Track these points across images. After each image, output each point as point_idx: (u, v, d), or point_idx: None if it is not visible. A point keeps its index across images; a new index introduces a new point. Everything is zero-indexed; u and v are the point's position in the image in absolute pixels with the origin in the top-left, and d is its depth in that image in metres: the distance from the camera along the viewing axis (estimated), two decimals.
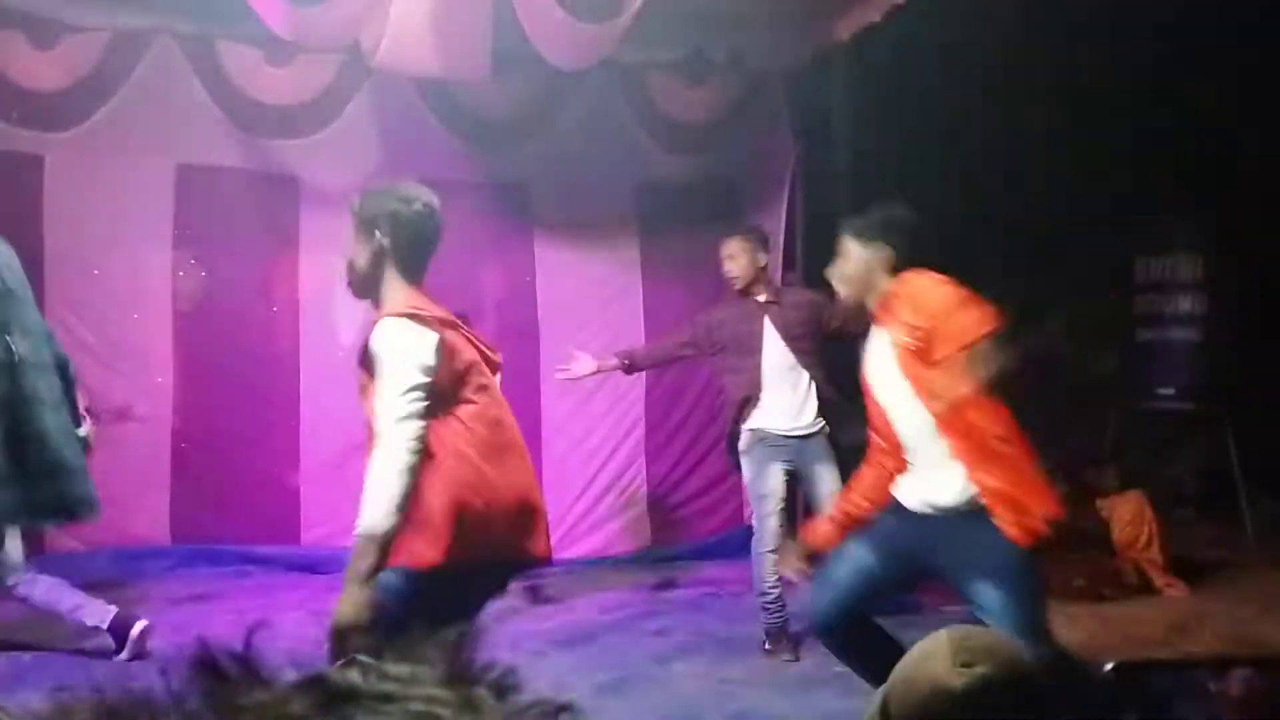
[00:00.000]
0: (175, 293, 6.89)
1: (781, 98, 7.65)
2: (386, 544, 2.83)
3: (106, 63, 6.61)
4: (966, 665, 1.31)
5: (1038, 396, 9.66)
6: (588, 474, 7.40)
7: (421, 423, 2.95)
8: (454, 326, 3.15)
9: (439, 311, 3.13)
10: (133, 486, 6.73)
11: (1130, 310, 7.30)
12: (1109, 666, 1.32)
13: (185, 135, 6.78)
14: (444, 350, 3.04)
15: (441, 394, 3.02)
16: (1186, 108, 8.66)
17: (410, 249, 3.16)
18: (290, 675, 0.55)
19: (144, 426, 6.80)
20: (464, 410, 3.08)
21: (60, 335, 6.69)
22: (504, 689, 0.55)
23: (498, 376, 3.30)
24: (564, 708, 0.56)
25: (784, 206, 7.64)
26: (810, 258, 7.75)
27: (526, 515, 3.18)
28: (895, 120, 8.70)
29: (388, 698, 0.53)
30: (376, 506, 2.85)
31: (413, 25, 5.67)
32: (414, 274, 3.18)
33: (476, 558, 3.01)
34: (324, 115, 6.92)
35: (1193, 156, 8.56)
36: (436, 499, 2.98)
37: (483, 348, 3.25)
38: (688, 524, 7.61)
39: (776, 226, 7.65)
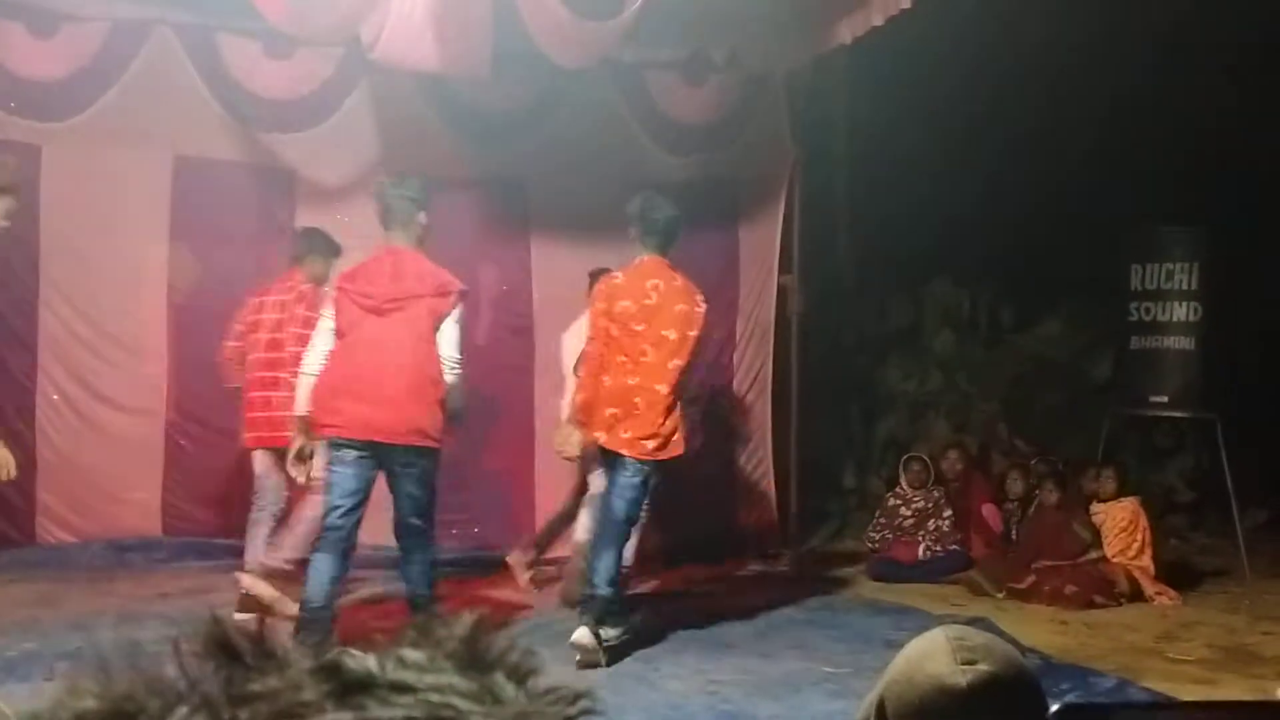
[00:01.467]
0: (170, 285, 6.87)
1: (782, 99, 7.64)
2: None
3: (105, 53, 6.59)
4: (968, 663, 1.31)
5: (1034, 403, 9.67)
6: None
7: None
8: None
9: None
10: (125, 479, 6.71)
11: (1125, 318, 7.31)
12: (1055, 708, 1.34)
13: (183, 127, 6.77)
14: None
15: None
16: (1183, 116, 8.68)
17: None
18: (304, 661, 0.53)
19: (137, 419, 6.79)
20: None
21: (54, 325, 6.73)
22: (523, 673, 0.54)
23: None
24: (582, 694, 0.55)
25: (782, 207, 7.63)
26: (808, 259, 7.75)
27: None
28: (894, 124, 8.70)
29: (403, 688, 0.52)
30: None
31: (413, 20, 5.66)
32: None
33: None
34: (322, 109, 6.91)
35: (1188, 165, 8.58)
36: None
37: None
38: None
39: (775, 227, 7.64)
